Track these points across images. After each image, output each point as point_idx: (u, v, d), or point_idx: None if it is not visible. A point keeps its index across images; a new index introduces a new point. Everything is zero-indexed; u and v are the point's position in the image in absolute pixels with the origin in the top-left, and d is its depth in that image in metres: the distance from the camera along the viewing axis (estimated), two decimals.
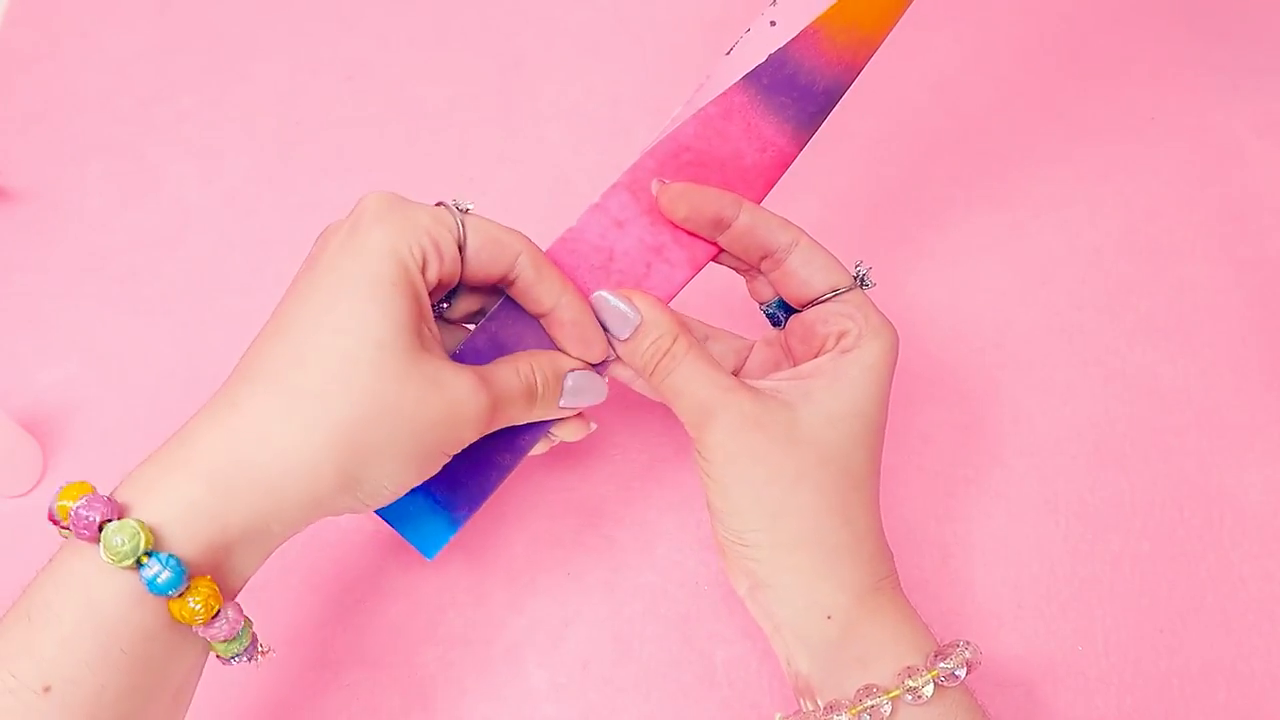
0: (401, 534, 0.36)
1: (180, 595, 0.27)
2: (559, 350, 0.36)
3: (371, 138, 0.55)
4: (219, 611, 0.28)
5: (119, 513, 0.28)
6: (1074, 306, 0.50)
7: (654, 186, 0.36)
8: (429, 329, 0.33)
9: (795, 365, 0.37)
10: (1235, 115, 0.55)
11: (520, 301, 0.36)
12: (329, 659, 0.41)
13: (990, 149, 0.55)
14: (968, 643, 0.33)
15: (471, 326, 0.37)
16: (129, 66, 0.57)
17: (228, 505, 0.29)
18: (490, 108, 0.56)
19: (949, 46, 0.58)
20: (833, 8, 0.36)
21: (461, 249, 0.33)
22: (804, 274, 0.36)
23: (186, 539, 0.28)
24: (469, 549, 0.43)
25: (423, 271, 0.32)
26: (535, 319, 0.36)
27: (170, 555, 0.27)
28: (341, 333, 0.30)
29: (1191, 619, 0.43)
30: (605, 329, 0.36)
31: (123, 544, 0.27)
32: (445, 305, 0.37)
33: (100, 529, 0.27)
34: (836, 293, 0.36)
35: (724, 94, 0.37)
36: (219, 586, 0.29)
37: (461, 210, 0.34)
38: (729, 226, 0.36)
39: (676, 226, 0.37)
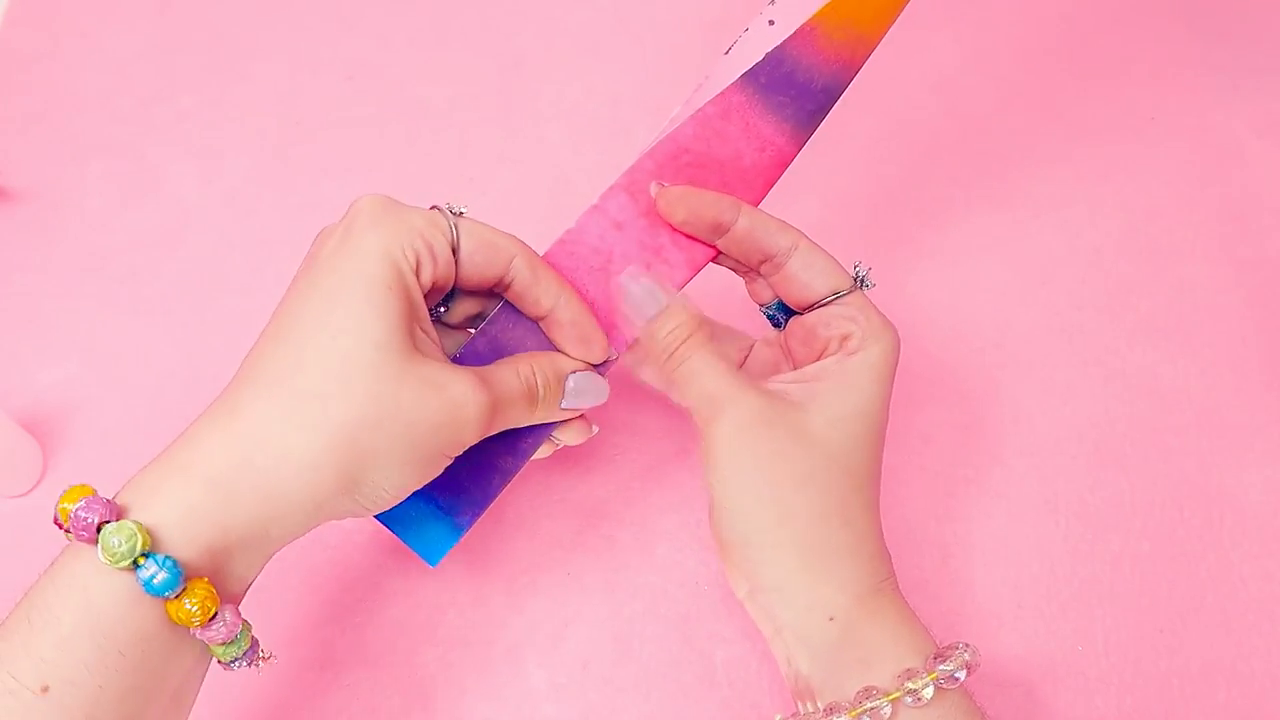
0: (404, 541, 0.36)
1: (177, 597, 0.28)
2: (559, 352, 0.36)
3: (371, 138, 0.55)
4: (216, 614, 0.28)
5: (117, 514, 0.28)
6: (1074, 306, 0.50)
7: (652, 189, 0.36)
8: (425, 331, 0.33)
9: (795, 366, 0.37)
10: (1235, 115, 0.55)
11: (518, 304, 0.36)
12: (329, 659, 0.41)
13: (990, 149, 0.55)
14: (967, 645, 0.33)
15: (472, 331, 0.37)
16: (129, 66, 0.57)
17: (227, 509, 0.29)
18: (490, 108, 0.56)
19: (949, 46, 0.58)
20: (829, 5, 0.36)
21: (455, 252, 0.34)
22: (804, 277, 0.36)
23: (185, 541, 0.28)
24: (469, 549, 0.43)
25: (416, 274, 0.32)
26: (535, 322, 0.36)
27: (167, 557, 0.27)
28: (340, 335, 0.30)
29: (1191, 619, 0.43)
30: (628, 309, 0.36)
31: (120, 545, 0.27)
32: (444, 309, 0.37)
33: (98, 530, 0.27)
34: (838, 295, 0.36)
35: (722, 94, 0.36)
36: (218, 589, 0.29)
37: (455, 214, 0.34)
38: (728, 230, 0.36)
39: (675, 228, 0.37)
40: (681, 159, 0.37)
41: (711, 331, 0.37)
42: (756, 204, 0.37)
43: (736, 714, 0.41)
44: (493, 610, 0.42)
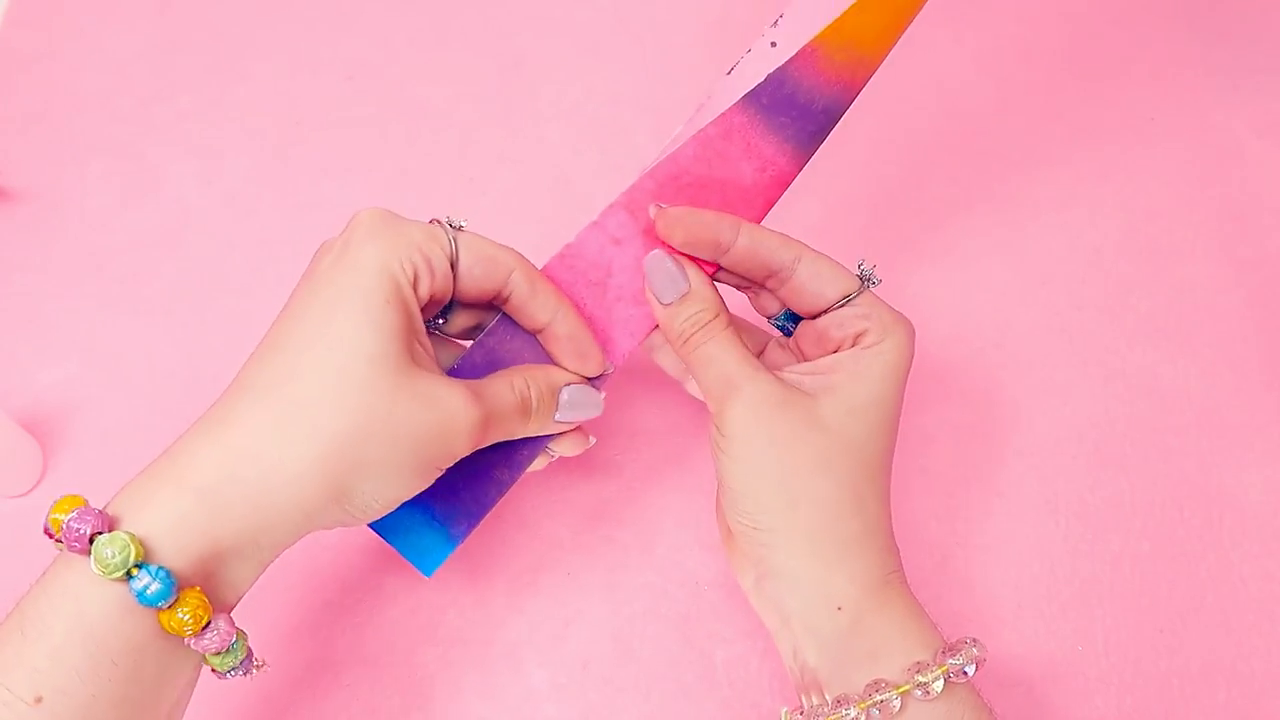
0: (400, 551, 0.36)
1: (170, 607, 0.28)
2: (555, 365, 0.37)
3: (371, 138, 0.55)
4: (209, 623, 0.28)
5: (110, 525, 0.28)
6: (1074, 306, 0.50)
7: (651, 211, 0.36)
8: (421, 344, 0.33)
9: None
10: (1235, 115, 0.55)
11: (515, 318, 0.36)
12: (329, 659, 0.41)
13: (990, 149, 0.55)
14: (975, 640, 0.33)
15: (469, 343, 0.37)
16: (129, 66, 0.57)
17: (218, 519, 0.29)
18: (490, 108, 0.56)
19: (949, 47, 0.58)
20: (831, 26, 0.36)
21: (454, 265, 0.34)
22: (813, 287, 0.36)
23: (176, 551, 0.28)
24: (469, 549, 0.43)
25: (414, 287, 0.32)
26: (532, 335, 0.37)
27: (160, 567, 0.27)
28: (334, 348, 0.30)
29: (1191, 619, 0.43)
30: (651, 291, 0.36)
31: (113, 556, 0.27)
32: (441, 321, 0.37)
33: (91, 541, 0.27)
34: (847, 298, 0.36)
35: (724, 114, 0.37)
36: (211, 599, 0.29)
37: (455, 227, 0.34)
38: (728, 250, 0.36)
39: (673, 247, 0.37)
40: (682, 179, 0.37)
41: (730, 319, 0.37)
42: (757, 223, 0.37)
43: (736, 714, 0.41)
44: (493, 610, 0.42)
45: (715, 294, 0.36)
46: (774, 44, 0.37)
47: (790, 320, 0.39)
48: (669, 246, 0.37)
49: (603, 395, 0.37)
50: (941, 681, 0.32)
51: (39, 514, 0.44)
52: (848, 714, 0.32)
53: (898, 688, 0.31)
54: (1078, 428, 0.47)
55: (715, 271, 0.37)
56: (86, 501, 0.28)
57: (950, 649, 0.32)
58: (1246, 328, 0.49)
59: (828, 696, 0.33)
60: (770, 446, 0.34)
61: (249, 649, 0.31)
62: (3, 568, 0.43)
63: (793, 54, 0.36)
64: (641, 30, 0.59)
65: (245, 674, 0.31)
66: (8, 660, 0.27)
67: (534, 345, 0.37)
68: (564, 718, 0.41)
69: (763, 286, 0.38)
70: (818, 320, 0.37)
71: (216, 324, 0.49)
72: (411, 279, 0.32)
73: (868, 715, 0.31)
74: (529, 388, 0.35)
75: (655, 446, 0.46)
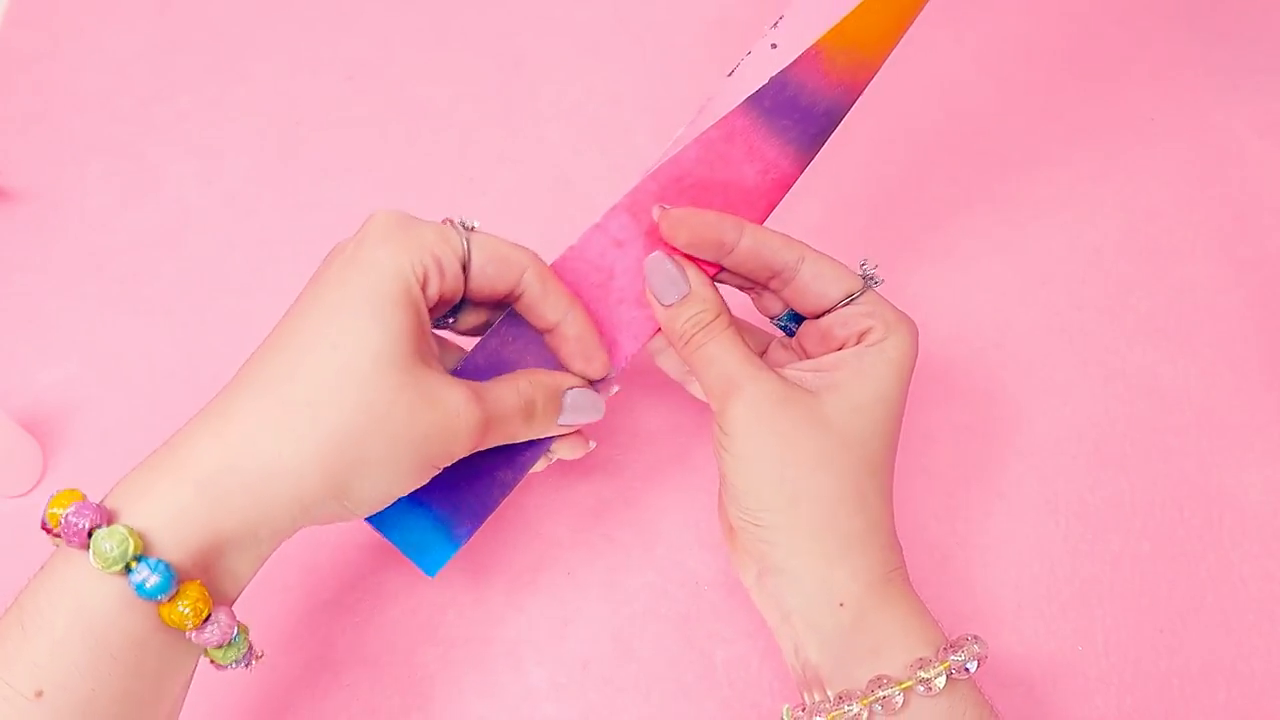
0: (403, 552, 0.36)
1: (169, 600, 0.28)
2: (560, 366, 0.37)
3: (371, 138, 0.55)
4: (209, 616, 0.28)
5: (108, 519, 0.28)
6: (1074, 306, 0.50)
7: (655, 213, 0.36)
8: (427, 345, 0.33)
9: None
10: (1235, 115, 0.55)
11: (526, 316, 0.36)
12: (329, 659, 0.41)
13: (990, 150, 0.55)
14: (976, 637, 0.33)
15: (477, 339, 0.37)
16: (129, 66, 0.57)
17: (216, 511, 0.29)
18: (490, 108, 0.56)
19: (950, 47, 0.58)
20: (833, 29, 0.36)
21: (466, 267, 0.34)
22: (817, 287, 0.36)
23: (175, 544, 0.28)
24: (469, 549, 0.43)
25: (424, 288, 0.32)
26: (537, 336, 0.37)
27: (159, 560, 0.27)
28: (338, 346, 0.30)
29: (1191, 619, 0.43)
30: (651, 292, 0.36)
31: (111, 550, 0.27)
32: (451, 320, 0.37)
33: (90, 535, 0.27)
34: (851, 298, 0.36)
35: (726, 117, 0.37)
36: (211, 592, 0.29)
37: (468, 228, 0.35)
38: (731, 250, 0.36)
39: (676, 248, 0.37)
40: (684, 181, 0.37)
41: (732, 319, 0.38)
42: (760, 224, 0.37)
43: (736, 714, 0.41)
44: (492, 610, 0.42)
45: (716, 294, 0.36)
46: (774, 46, 0.37)
47: (793, 320, 0.39)
48: (670, 248, 0.37)
49: (609, 394, 0.37)
50: (944, 677, 0.32)
51: (39, 514, 0.44)
52: (850, 710, 0.32)
53: (900, 683, 0.31)
54: (1078, 428, 0.47)
55: (718, 273, 0.37)
56: (84, 495, 0.28)
57: (952, 646, 0.32)
58: (1246, 328, 0.49)
59: (830, 693, 0.33)
60: (772, 444, 0.34)
61: (249, 641, 0.31)
62: (3, 568, 0.43)
63: (795, 57, 0.37)
64: (641, 30, 0.59)
65: (245, 666, 0.31)
66: (8, 655, 0.27)
67: (538, 346, 0.37)
68: (564, 717, 0.40)
69: (765, 287, 0.38)
70: (821, 319, 0.37)
71: (216, 324, 0.49)
72: (421, 280, 0.32)
73: (870, 711, 0.31)
74: (533, 390, 0.35)
75: (656, 446, 0.46)
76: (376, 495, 0.32)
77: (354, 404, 0.30)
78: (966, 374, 0.48)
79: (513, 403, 0.34)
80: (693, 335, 0.36)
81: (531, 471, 0.38)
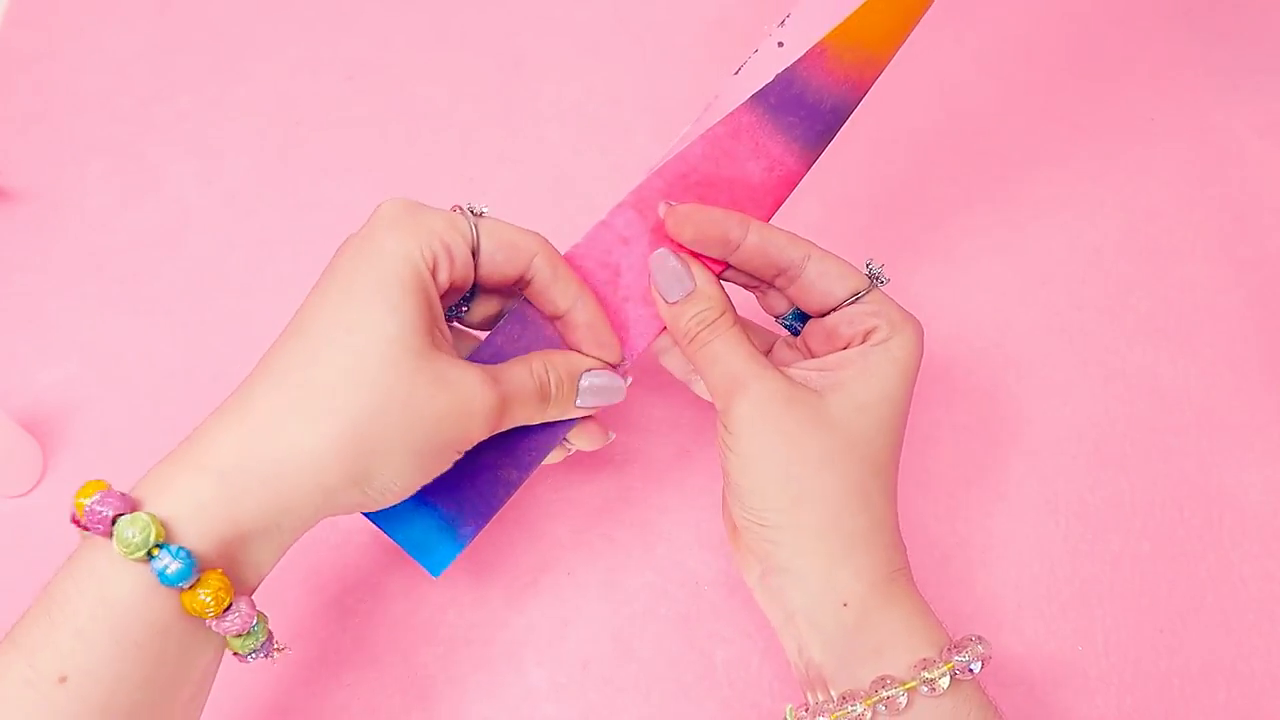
0: (408, 551, 0.36)
1: (191, 587, 0.28)
2: (575, 351, 0.37)
3: (371, 138, 0.55)
4: (231, 605, 0.29)
5: (131, 507, 0.28)
6: (1074, 306, 0.50)
7: (661, 210, 0.37)
8: (440, 332, 0.33)
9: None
10: (1235, 115, 0.55)
11: (536, 303, 0.36)
12: (329, 659, 0.41)
13: (991, 150, 0.55)
14: (980, 637, 0.33)
15: (486, 334, 0.37)
16: (129, 66, 0.57)
17: (238, 501, 0.29)
18: (490, 108, 0.56)
19: (950, 48, 0.58)
20: (839, 27, 0.36)
21: (476, 253, 0.34)
22: (822, 285, 0.36)
23: (198, 534, 0.28)
24: (470, 549, 0.43)
25: (434, 275, 0.32)
26: (550, 324, 0.37)
27: (180, 547, 0.28)
28: (353, 332, 0.31)
29: (1191, 619, 0.43)
30: (656, 290, 0.36)
31: (134, 536, 0.27)
32: (464, 310, 0.37)
33: (113, 523, 0.27)
34: (857, 296, 0.36)
35: (732, 114, 0.37)
36: (232, 581, 0.29)
37: (476, 214, 0.35)
38: (737, 247, 0.36)
39: (681, 245, 0.37)
40: (690, 178, 0.37)
41: (737, 317, 0.37)
42: (765, 222, 0.37)
43: (736, 714, 0.41)
44: (493, 610, 0.42)
45: (721, 292, 0.36)
46: (781, 44, 0.37)
47: (798, 319, 0.39)
48: (676, 245, 0.37)
49: (626, 382, 0.37)
50: (948, 678, 0.31)
51: (39, 514, 0.44)
52: (854, 710, 0.32)
53: (904, 684, 0.31)
54: (1078, 428, 0.47)
55: (723, 270, 0.37)
56: (110, 485, 0.28)
57: (956, 646, 0.32)
58: (1246, 328, 0.49)
59: (833, 693, 0.33)
60: (777, 443, 0.34)
61: (269, 632, 0.31)
62: (3, 568, 0.43)
63: (801, 54, 0.36)
64: (641, 30, 0.59)
65: (266, 656, 0.31)
66: (34, 641, 0.27)
67: (552, 334, 0.37)
68: (564, 717, 0.40)
69: (771, 285, 0.38)
70: (826, 318, 0.37)
71: (216, 324, 0.49)
72: (431, 267, 0.32)
73: (874, 711, 0.31)
74: (547, 372, 0.35)
75: (656, 447, 0.46)
76: (398, 482, 0.32)
77: (371, 389, 0.30)
78: (967, 374, 0.48)
79: (528, 384, 0.34)
80: (697, 333, 0.36)
81: (547, 463, 0.38)
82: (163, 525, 0.28)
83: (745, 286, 0.39)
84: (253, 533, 0.30)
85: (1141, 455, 0.46)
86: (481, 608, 0.42)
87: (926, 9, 0.37)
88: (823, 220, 0.52)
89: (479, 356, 0.36)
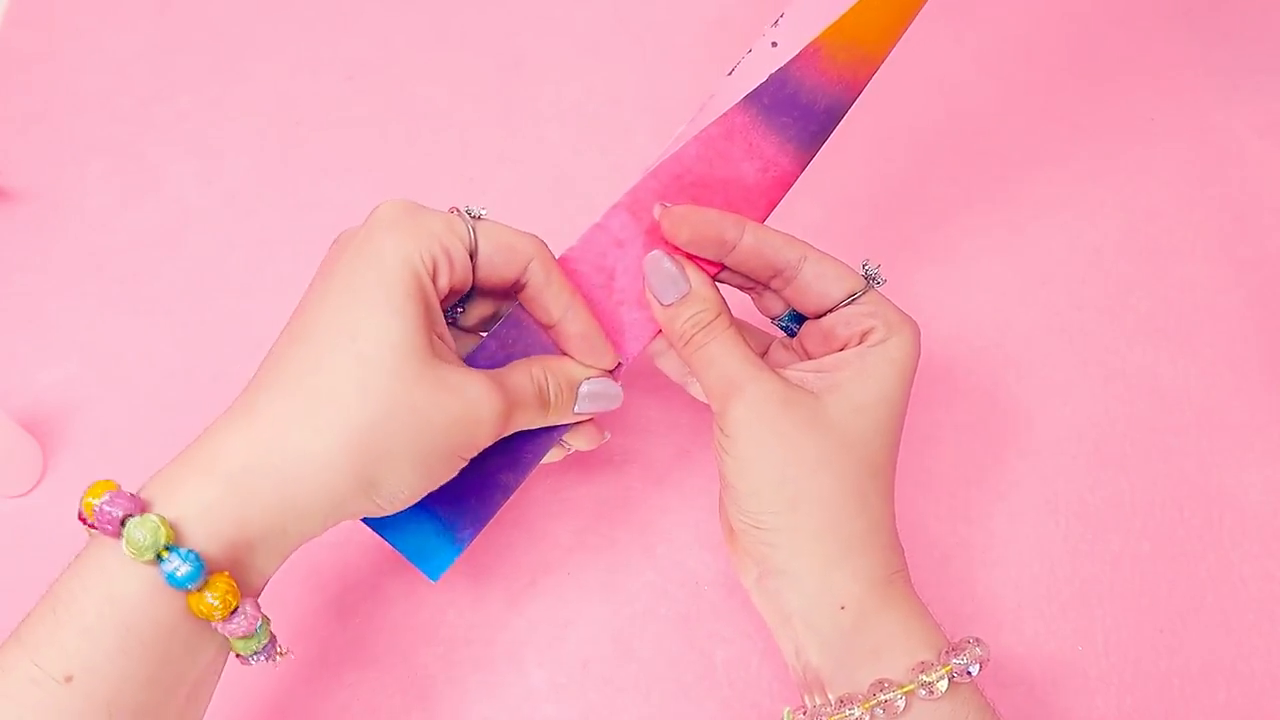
0: (406, 556, 0.36)
1: (199, 590, 0.28)
2: (571, 358, 0.37)
3: (371, 138, 0.55)
4: (237, 608, 0.29)
5: (141, 508, 0.28)
6: (1074, 306, 0.50)
7: (656, 211, 0.36)
8: (441, 336, 0.33)
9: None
10: (1235, 115, 0.55)
11: (529, 309, 0.36)
12: (329, 659, 0.41)
13: (990, 150, 0.55)
14: (978, 640, 0.32)
15: (484, 334, 0.37)
16: (129, 66, 0.57)
17: (246, 505, 0.29)
18: (490, 108, 0.56)
19: (950, 47, 0.58)
20: (833, 26, 0.36)
21: (473, 256, 0.34)
22: (819, 287, 0.36)
23: (206, 536, 0.28)
24: (470, 550, 0.43)
25: (434, 279, 0.32)
26: (541, 330, 0.37)
27: (189, 550, 0.28)
28: (357, 338, 0.31)
29: (1191, 619, 0.43)
30: (651, 292, 0.36)
31: (143, 538, 0.27)
32: (460, 310, 0.37)
33: (122, 524, 0.28)
34: (853, 297, 0.36)
35: (725, 115, 0.36)
36: (238, 584, 0.29)
37: (474, 217, 0.34)
38: (733, 248, 0.36)
39: (676, 246, 0.37)
40: (685, 179, 0.37)
41: (732, 320, 0.37)
42: (760, 222, 0.37)
43: (737, 714, 0.41)
44: (493, 610, 0.42)
45: (717, 294, 0.36)
46: (775, 44, 0.37)
47: (794, 321, 0.39)
48: (671, 246, 0.37)
49: (620, 387, 0.37)
50: (946, 681, 0.31)
51: (39, 514, 0.44)
52: (851, 714, 0.32)
53: (902, 687, 0.31)
54: (1078, 428, 0.47)
55: (719, 272, 0.37)
56: (119, 486, 0.28)
57: (954, 649, 0.32)
58: (1246, 328, 0.49)
59: (831, 696, 0.33)
60: (773, 445, 0.33)
61: (272, 634, 0.31)
62: (3, 568, 0.43)
63: (795, 54, 0.36)
64: (641, 30, 0.59)
65: (268, 659, 0.31)
66: (40, 639, 0.27)
67: (544, 342, 0.37)
68: (564, 717, 0.40)
69: (767, 286, 0.38)
70: (823, 319, 0.36)
71: (216, 324, 0.49)
72: (431, 271, 0.32)
73: (872, 715, 0.31)
74: (546, 379, 0.35)
75: (655, 447, 0.46)
76: (406, 489, 0.32)
77: (379, 396, 0.30)
78: (967, 374, 0.48)
79: (529, 389, 0.34)
80: (693, 335, 0.36)
81: (546, 461, 0.38)
82: (171, 527, 0.28)
83: (740, 288, 0.39)
84: (259, 536, 0.30)
85: (1141, 455, 0.46)
86: (482, 608, 0.42)
87: (920, 7, 0.37)
88: (822, 220, 0.52)
89: (476, 360, 0.36)
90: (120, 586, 0.28)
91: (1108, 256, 0.51)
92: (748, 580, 0.36)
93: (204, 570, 0.28)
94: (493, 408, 0.32)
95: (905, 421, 0.36)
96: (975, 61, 0.57)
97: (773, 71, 0.36)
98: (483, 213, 0.35)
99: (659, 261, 0.36)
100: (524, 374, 0.35)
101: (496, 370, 0.34)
